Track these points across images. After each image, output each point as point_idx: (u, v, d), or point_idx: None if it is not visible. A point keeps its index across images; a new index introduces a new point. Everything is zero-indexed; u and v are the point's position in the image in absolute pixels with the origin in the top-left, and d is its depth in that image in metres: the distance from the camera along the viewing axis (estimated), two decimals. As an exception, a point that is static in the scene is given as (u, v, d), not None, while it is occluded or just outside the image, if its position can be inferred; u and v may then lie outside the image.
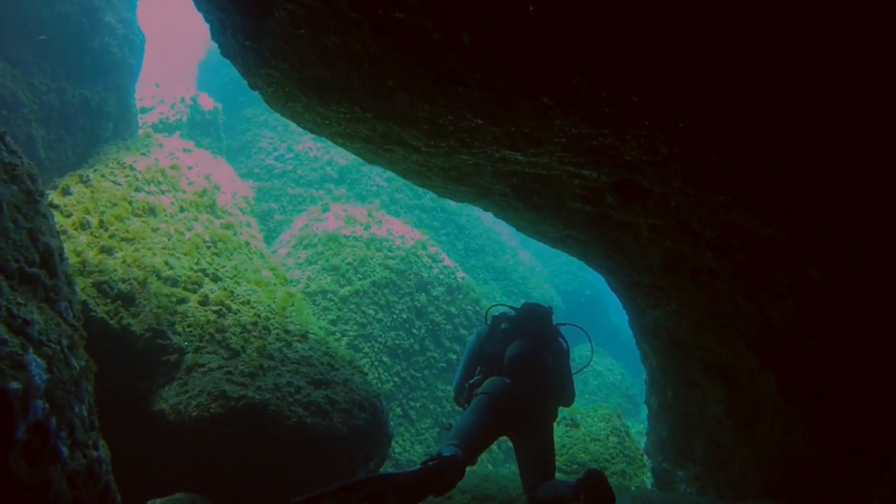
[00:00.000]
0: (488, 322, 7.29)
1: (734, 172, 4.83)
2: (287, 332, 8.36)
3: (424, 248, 15.65)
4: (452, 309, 15.28)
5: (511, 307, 7.51)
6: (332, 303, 13.30)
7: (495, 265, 22.71)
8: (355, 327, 13.15)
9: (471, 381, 6.81)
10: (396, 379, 13.25)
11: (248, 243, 10.81)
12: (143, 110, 15.38)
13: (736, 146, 4.41)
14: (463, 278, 16.16)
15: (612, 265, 8.64)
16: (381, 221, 15.66)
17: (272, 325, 8.36)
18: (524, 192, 7.11)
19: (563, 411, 8.48)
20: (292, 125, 19.21)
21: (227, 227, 10.74)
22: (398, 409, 13.01)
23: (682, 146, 4.72)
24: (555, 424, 9.12)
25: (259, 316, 8.38)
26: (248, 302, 8.59)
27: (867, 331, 5.34)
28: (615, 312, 30.31)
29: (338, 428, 7.21)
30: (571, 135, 4.99)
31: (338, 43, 4.95)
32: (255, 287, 9.19)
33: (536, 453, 6.22)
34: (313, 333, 8.75)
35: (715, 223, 5.98)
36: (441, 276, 15.45)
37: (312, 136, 19.60)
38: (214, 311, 7.94)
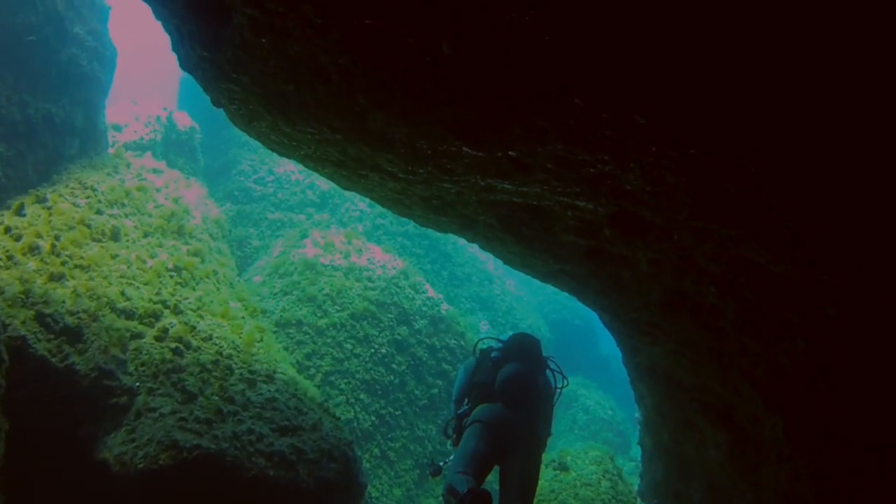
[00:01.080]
0: (476, 354, 7.45)
1: (751, 205, 4.34)
2: (252, 371, 7.76)
3: (406, 277, 15.05)
4: (435, 342, 14.63)
5: (498, 339, 7.68)
6: (307, 336, 12.67)
7: (481, 295, 22.12)
8: (331, 362, 12.51)
9: (459, 412, 6.95)
10: (374, 418, 12.57)
11: (215, 272, 10.21)
12: (117, 128, 14.86)
13: (757, 175, 3.91)
14: (447, 310, 15.55)
15: (607, 302, 8.17)
16: (360, 249, 15.06)
17: (236, 363, 7.76)
18: (512, 223, 6.61)
19: (552, 453, 8.29)
20: None
21: (195, 253, 10.15)
22: (376, 450, 12.34)
23: (693, 175, 4.22)
24: (543, 467, 8.92)
25: (221, 353, 7.77)
26: (211, 337, 7.98)
27: (885, 376, 5.04)
28: (605, 343, 29.91)
29: (304, 481, 6.63)
30: (566, 161, 4.47)
31: (302, 53, 4.42)
32: (220, 320, 8.59)
33: (518, 478, 6.44)
34: (281, 373, 8.17)
35: (721, 258, 5.58)
36: (424, 308, 14.84)
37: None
38: (172, 349, 7.33)
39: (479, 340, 8.02)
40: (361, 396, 12.48)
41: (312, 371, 12.11)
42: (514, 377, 6.90)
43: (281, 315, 12.76)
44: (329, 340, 12.73)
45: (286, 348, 12.04)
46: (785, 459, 6.38)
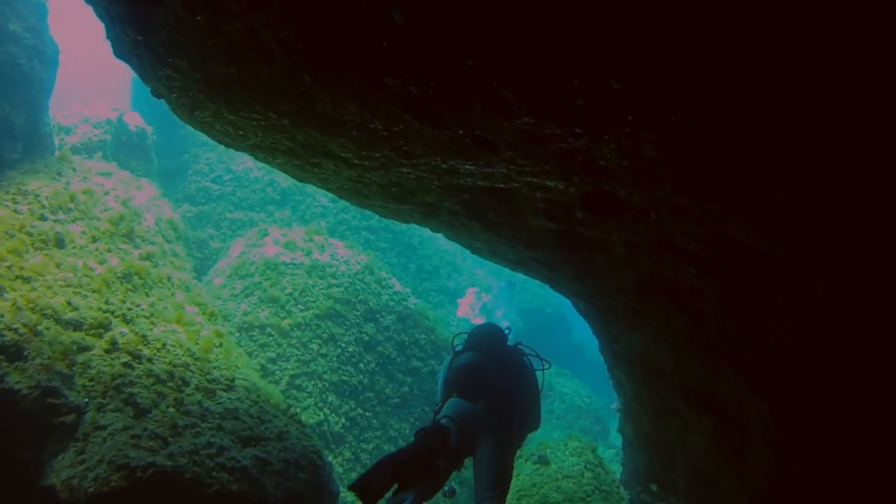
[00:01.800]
0: (455, 349, 7.42)
1: (735, 176, 4.05)
2: (211, 379, 7.35)
3: (371, 272, 14.65)
4: (404, 338, 14.27)
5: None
6: (271, 338, 12.24)
7: (450, 287, 21.78)
8: (297, 364, 12.09)
9: (435, 410, 6.83)
10: (344, 420, 12.17)
11: (169, 276, 9.76)
12: (66, 131, 14.37)
13: (743, 143, 3.60)
14: (415, 304, 15.19)
15: (581, 288, 7.88)
16: (323, 246, 14.61)
17: (193, 372, 7.35)
18: (478, 209, 6.27)
19: (530, 446, 8.10)
20: None
21: (147, 257, 9.71)
22: (348, 453, 11.95)
23: (673, 147, 3.91)
24: (523, 461, 9.74)
25: (177, 363, 7.34)
26: (165, 346, 7.55)
27: (874, 353, 4.84)
28: (578, 330, 29.81)
29: (271, 494, 6.25)
30: (535, 136, 4.13)
31: (241, 29, 4.03)
32: (175, 327, 8.16)
33: (485, 468, 6.28)
34: (243, 379, 7.77)
35: (702, 237, 5.30)
36: (391, 304, 14.47)
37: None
38: (123, 361, 6.89)
39: (455, 336, 8.01)
40: (330, 398, 12.08)
41: (278, 375, 11.70)
42: (462, 367, 6.87)
43: (242, 318, 12.32)
44: (294, 342, 12.31)
45: (249, 353, 11.62)
46: (771, 443, 6.19)
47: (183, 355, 7.55)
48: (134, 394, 6.47)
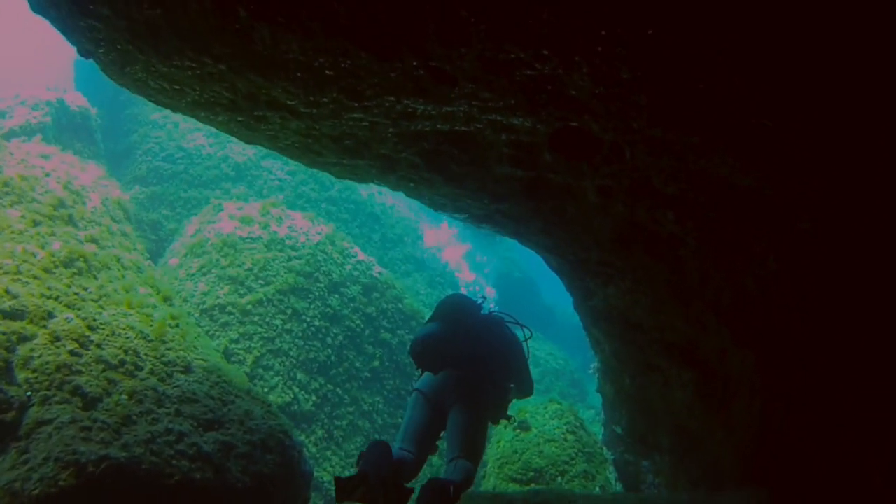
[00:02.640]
0: None
1: (720, 102, 3.74)
2: (166, 362, 6.91)
3: (333, 242, 14.14)
4: (371, 310, 13.84)
5: None
6: (232, 317, 11.76)
7: (416, 255, 21.41)
8: (261, 343, 11.64)
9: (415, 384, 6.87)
10: (315, 397, 11.75)
11: (118, 258, 9.25)
12: (1, 114, 13.67)
13: (730, 58, 3.27)
14: (381, 273, 14.74)
15: (552, 242, 7.57)
16: (280, 218, 14.02)
17: (146, 356, 6.89)
18: (438, 159, 5.89)
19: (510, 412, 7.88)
20: (182, 122, 17.91)
21: (92, 239, 9.19)
22: (320, 431, 11.56)
23: (652, 67, 3.55)
24: (502, 428, 9.88)
25: (128, 348, 6.87)
26: (115, 331, 7.08)
27: (863, 292, 4.85)
28: (547, 292, 29.74)
29: (237, 479, 5.86)
30: (498, 64, 3.73)
31: (159, -38, 3.59)
32: (125, 310, 7.68)
33: (455, 433, 6.27)
34: (201, 360, 7.33)
35: (680, 175, 5.01)
36: (355, 274, 14.01)
37: (204, 131, 18.46)
38: (69, 349, 6.41)
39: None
40: (299, 376, 11.65)
41: (242, 355, 11.25)
42: (420, 339, 6.74)
43: (201, 298, 11.83)
44: (256, 319, 11.82)
45: (210, 334, 11.16)
46: (757, 394, 6.12)
47: (135, 338, 7.08)
48: (81, 384, 6.00)
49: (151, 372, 6.62)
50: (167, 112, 18.03)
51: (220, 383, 6.95)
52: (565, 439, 10.32)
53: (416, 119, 4.91)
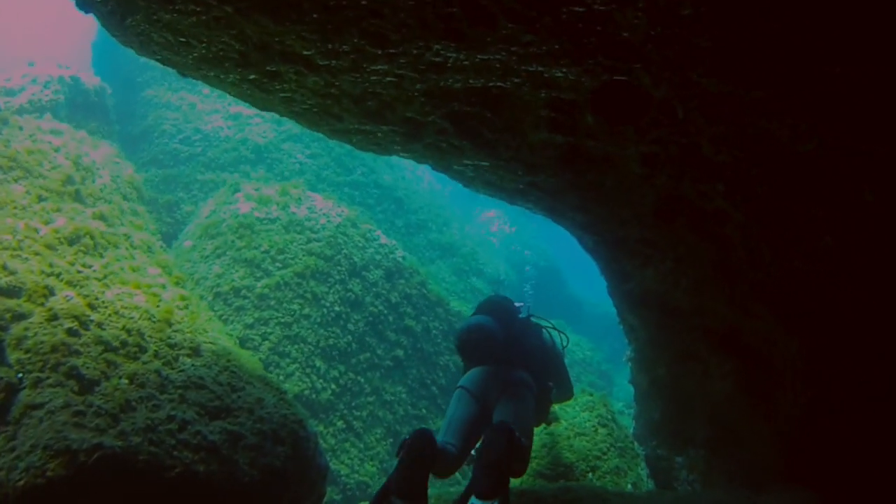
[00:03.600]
0: None
1: (793, 44, 3.25)
2: (172, 344, 6.45)
3: (355, 225, 13.64)
4: (394, 296, 13.31)
5: None
6: (247, 301, 11.29)
7: (441, 241, 20.88)
8: (278, 328, 11.15)
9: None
10: (334, 386, 11.27)
11: (128, 236, 8.82)
12: (9, 93, 13.28)
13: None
14: (404, 257, 14.22)
15: (589, 218, 7.14)
16: (300, 199, 13.54)
17: (150, 337, 6.42)
18: (469, 124, 5.43)
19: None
20: (199, 102, 17.53)
21: (101, 217, 8.77)
22: (340, 422, 11.07)
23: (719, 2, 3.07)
24: None
25: (132, 327, 6.41)
26: (118, 311, 6.62)
27: None
28: (574, 281, 29.24)
29: (245, 472, 5.37)
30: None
31: None
32: (132, 290, 7.24)
33: (505, 418, 6.06)
34: (209, 343, 6.86)
35: (735, 140, 4.61)
36: (377, 258, 13.49)
37: (223, 113, 18.17)
38: (67, 328, 5.95)
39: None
40: (317, 363, 11.14)
41: (257, 341, 10.77)
42: (464, 327, 6.76)
43: (215, 281, 11.38)
44: (273, 304, 11.33)
45: (224, 319, 10.71)
46: (805, 385, 5.75)
47: (139, 319, 6.63)
48: (78, 365, 5.53)
49: (155, 355, 6.15)
50: (183, 93, 18.15)
51: (229, 368, 6.47)
52: (596, 433, 9.76)
53: (447, 72, 4.41)
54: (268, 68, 4.90)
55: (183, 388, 5.78)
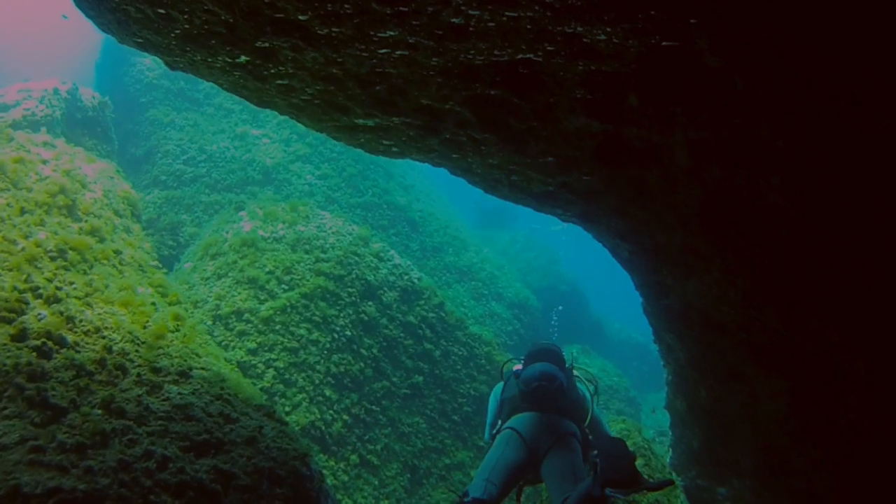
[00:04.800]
0: (504, 377, 7.56)
1: None
2: (157, 369, 5.72)
3: (367, 244, 12.89)
4: (411, 318, 12.51)
5: (520, 358, 7.79)
6: (250, 325, 10.49)
7: (458, 265, 20.18)
8: (284, 354, 10.35)
9: (493, 433, 7.11)
10: (346, 417, 10.47)
11: (118, 252, 8.14)
12: (4, 108, 12.75)
13: None
14: (420, 279, 13.44)
15: (627, 224, 6.52)
16: (308, 217, 12.80)
17: (133, 360, 5.71)
18: (493, 112, 4.78)
19: None
20: (203, 122, 17.06)
21: (91, 232, 8.10)
22: (353, 457, 10.26)
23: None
24: None
25: (112, 349, 5.69)
26: (99, 330, 5.92)
27: None
28: (596, 303, 28.60)
29: (236, 519, 4.62)
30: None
31: None
32: (117, 309, 6.55)
33: (564, 470, 6.37)
34: (201, 368, 6.14)
35: (800, 121, 3.95)
36: (392, 279, 12.71)
37: (228, 132, 17.69)
38: (35, 347, 5.24)
39: (506, 362, 8.39)
40: (327, 392, 10.35)
41: (261, 368, 9.98)
42: (536, 373, 6.91)
43: (215, 303, 10.61)
44: (278, 328, 10.54)
45: (224, 345, 9.95)
46: (867, 408, 5.11)
47: (121, 341, 5.91)
48: (44, 390, 4.81)
49: (137, 380, 5.42)
50: (188, 114, 17.58)
51: (223, 397, 5.74)
52: (633, 463, 9.06)
53: (468, 39, 3.72)
54: (259, 44, 4.24)
55: (166, 420, 5.05)
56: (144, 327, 6.44)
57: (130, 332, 6.11)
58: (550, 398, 6.81)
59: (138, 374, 5.49)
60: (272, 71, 4.73)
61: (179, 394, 5.47)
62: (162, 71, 18.02)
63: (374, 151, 6.34)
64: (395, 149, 6.04)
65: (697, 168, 4.92)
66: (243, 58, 4.63)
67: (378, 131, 5.64)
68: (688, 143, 4.68)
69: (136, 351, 5.88)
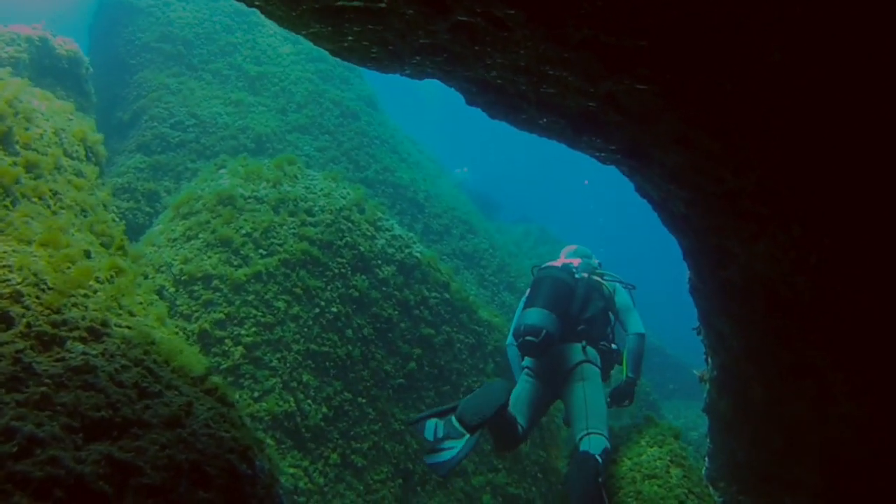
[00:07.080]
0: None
1: None
2: (59, 322, 4.29)
3: (362, 210, 11.43)
4: (409, 296, 11.04)
5: (540, 267, 9.02)
6: (219, 294, 9.03)
7: (465, 249, 19.07)
8: (255, 330, 8.88)
9: (507, 343, 9.22)
10: (326, 408, 9.00)
11: (56, 192, 6.82)
12: (-37, 51, 11.75)
13: None
14: (422, 252, 11.97)
15: (689, 160, 5.21)
16: (296, 176, 11.35)
17: (27, 308, 4.28)
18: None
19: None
20: (199, 88, 16.17)
21: (26, 166, 6.82)
22: (333, 455, 8.83)
23: None
24: None
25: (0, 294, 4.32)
26: (-10, 271, 4.55)
27: None
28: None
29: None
30: None
31: None
32: (31, 249, 5.21)
33: (576, 407, 7.77)
34: (126, 326, 4.76)
35: None
36: (390, 251, 11.24)
37: (221, 100, 16.64)
38: None
39: (535, 267, 9.22)
40: (305, 378, 8.88)
41: (228, 345, 8.55)
42: (521, 327, 7.83)
43: (180, 267, 9.16)
44: (251, 299, 9.08)
45: (186, 315, 8.53)
46: None
47: (20, 283, 4.52)
48: None
49: (25, 333, 4.01)
50: (182, 79, 16.53)
51: (144, 363, 4.30)
52: (669, 474, 7.64)
53: None
54: None
55: (55, 387, 3.65)
56: (60, 270, 5.09)
57: (36, 275, 4.70)
58: (539, 349, 7.47)
59: (28, 325, 4.09)
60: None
61: (83, 354, 4.07)
62: (160, 32, 17.47)
63: (365, 59, 5.01)
64: (390, 47, 4.68)
65: (800, 64, 3.60)
66: None
67: (369, 17, 4.30)
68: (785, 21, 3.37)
69: (37, 297, 4.48)
